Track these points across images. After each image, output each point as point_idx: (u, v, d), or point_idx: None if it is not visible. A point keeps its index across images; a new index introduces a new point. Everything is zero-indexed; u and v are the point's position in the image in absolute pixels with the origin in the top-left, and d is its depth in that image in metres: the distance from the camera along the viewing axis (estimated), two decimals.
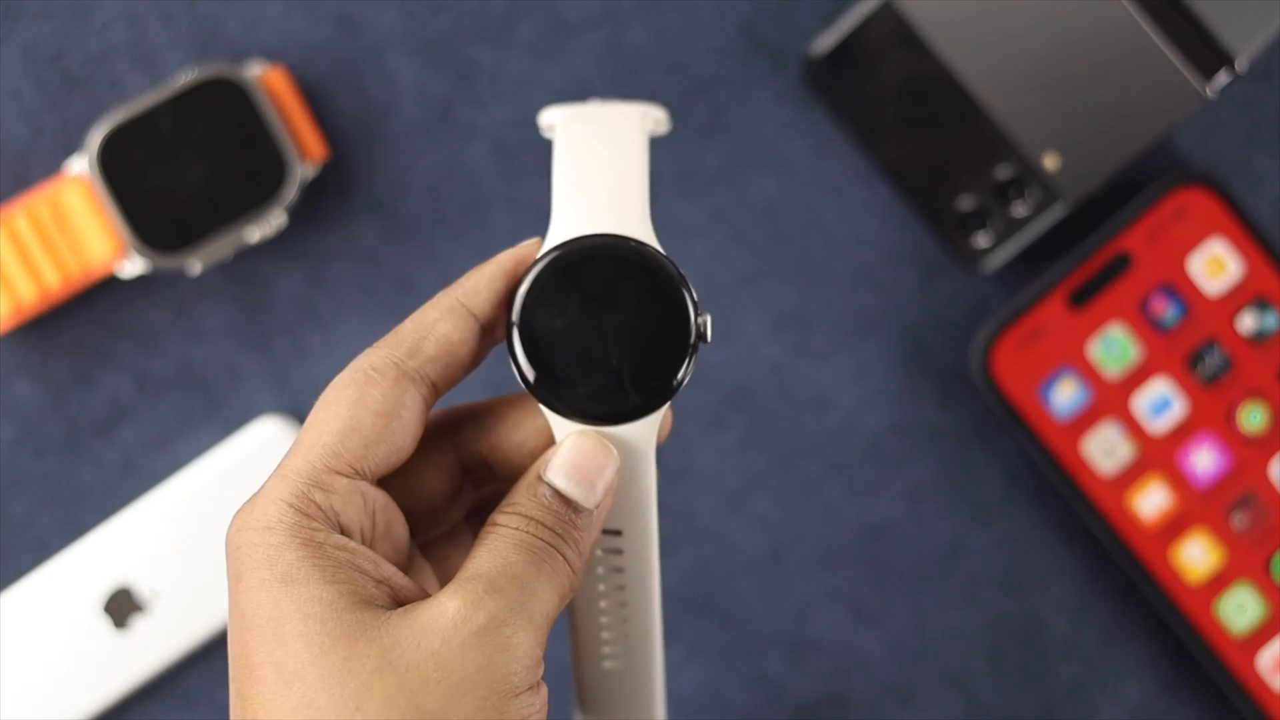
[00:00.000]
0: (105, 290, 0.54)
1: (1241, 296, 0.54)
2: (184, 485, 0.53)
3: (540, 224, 0.56)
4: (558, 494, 0.34)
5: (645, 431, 0.35)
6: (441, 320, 0.35)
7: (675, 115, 0.55)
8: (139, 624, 0.53)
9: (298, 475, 0.33)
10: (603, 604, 0.38)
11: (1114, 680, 0.55)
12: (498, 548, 0.33)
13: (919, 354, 0.55)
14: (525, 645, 0.32)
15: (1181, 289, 0.54)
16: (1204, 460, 0.54)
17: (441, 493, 0.37)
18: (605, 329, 0.33)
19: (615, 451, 0.34)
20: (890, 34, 0.53)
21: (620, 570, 0.37)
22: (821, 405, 0.55)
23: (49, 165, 0.53)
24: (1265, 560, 0.54)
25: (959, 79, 0.52)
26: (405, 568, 0.36)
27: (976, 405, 0.55)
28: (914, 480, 0.55)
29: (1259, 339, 0.54)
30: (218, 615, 0.53)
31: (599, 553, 0.37)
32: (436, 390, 0.35)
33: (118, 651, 0.53)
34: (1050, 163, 0.53)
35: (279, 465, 0.34)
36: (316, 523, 0.33)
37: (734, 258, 0.55)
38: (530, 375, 0.33)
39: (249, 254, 0.54)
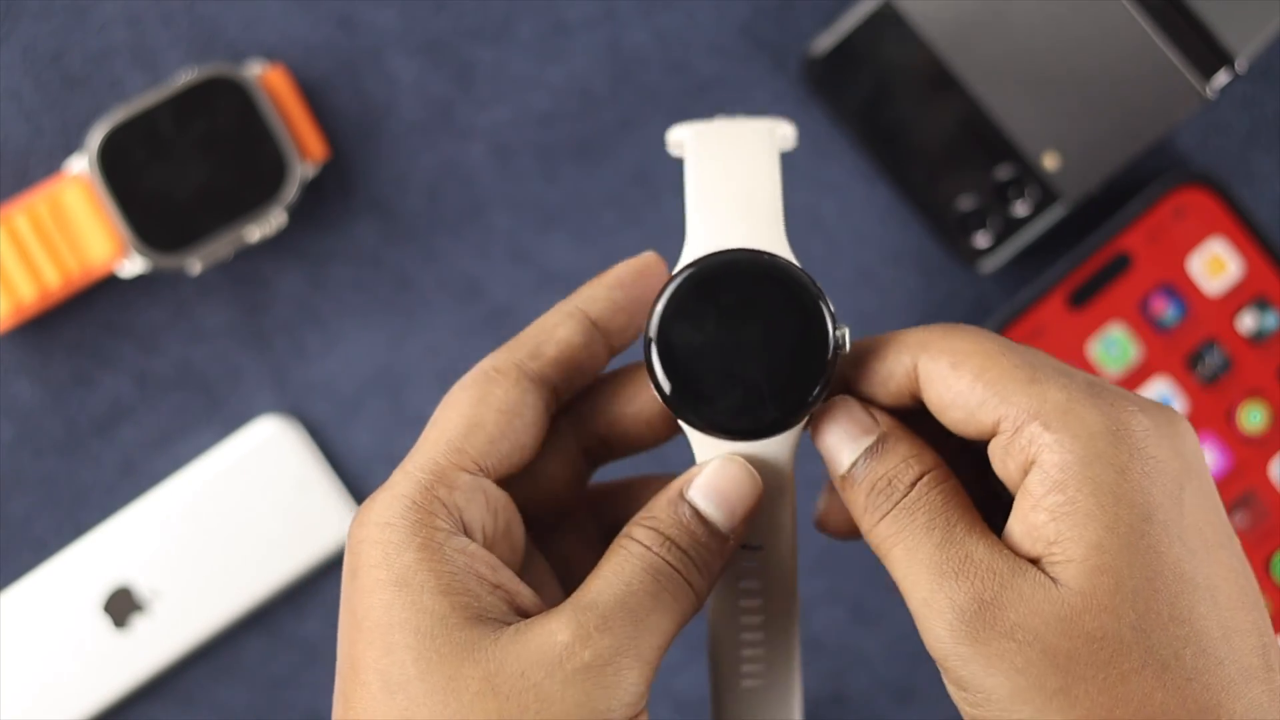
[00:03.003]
0: (105, 290, 0.54)
1: (1241, 296, 0.54)
2: (184, 485, 0.53)
3: (543, 224, 0.56)
4: (697, 514, 0.34)
5: (784, 448, 0.35)
6: (561, 325, 0.35)
7: (675, 115, 0.55)
8: (139, 624, 0.53)
9: (422, 471, 0.33)
10: (743, 620, 0.37)
11: None
12: (624, 570, 0.33)
13: None
14: (629, 682, 0.32)
15: (1181, 289, 0.54)
16: None
17: (564, 481, 0.37)
18: (743, 343, 0.33)
19: (760, 481, 0.34)
20: (890, 34, 0.53)
21: (759, 589, 0.37)
22: None
23: (49, 165, 0.53)
24: (1265, 560, 0.54)
25: (959, 79, 0.52)
26: (521, 569, 0.36)
27: None
28: None
29: (1259, 339, 0.54)
30: (218, 615, 0.53)
31: (741, 564, 0.36)
32: (558, 394, 0.35)
33: (118, 651, 0.53)
34: (1050, 162, 0.53)
35: (404, 462, 0.34)
36: (439, 519, 0.33)
37: None
38: (669, 390, 0.33)
39: (249, 253, 0.54)
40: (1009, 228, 0.54)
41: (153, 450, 0.54)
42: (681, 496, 0.34)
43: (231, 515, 0.53)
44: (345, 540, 0.34)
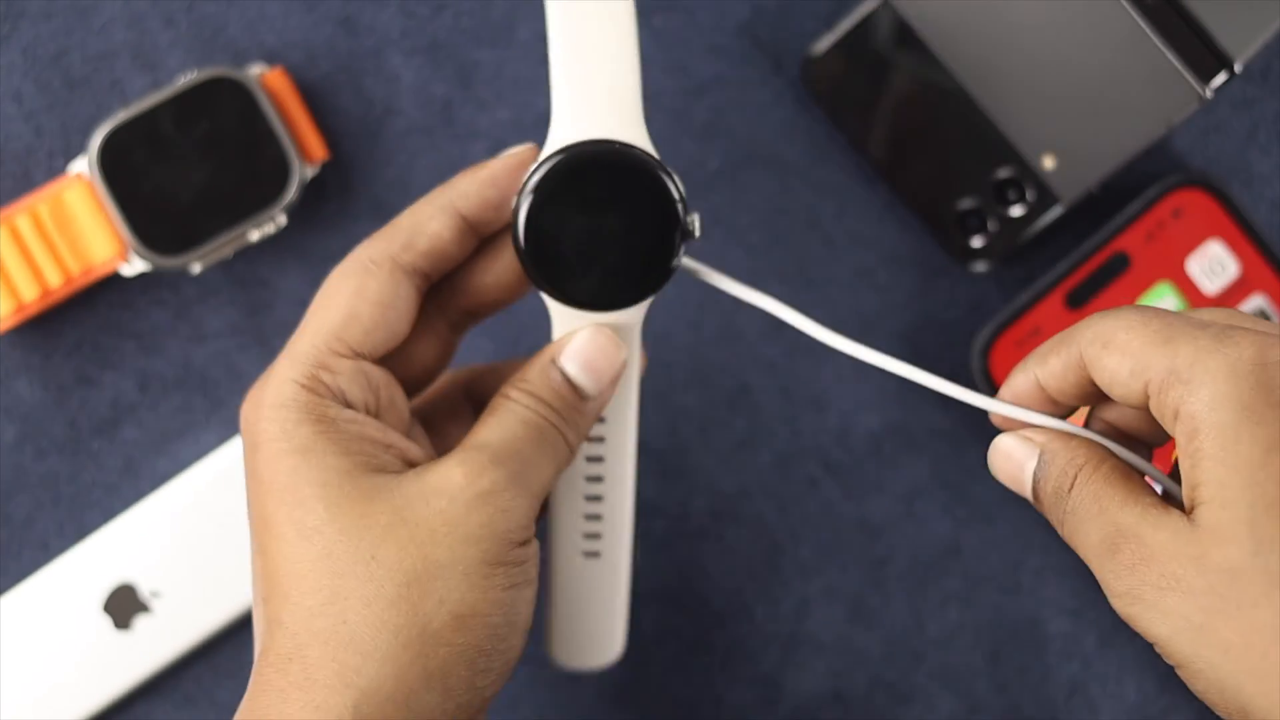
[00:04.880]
0: (106, 290, 0.54)
1: (1239, 297, 0.54)
2: (185, 485, 0.53)
3: None
4: (566, 378, 0.38)
5: (634, 321, 0.39)
6: (434, 218, 0.39)
7: (675, 116, 0.55)
8: (140, 624, 0.53)
9: (306, 358, 0.37)
10: (582, 491, 0.42)
11: (1113, 680, 0.55)
12: (505, 421, 0.37)
13: (918, 354, 0.55)
14: (521, 509, 0.36)
15: (1180, 289, 0.54)
16: None
17: (435, 354, 0.41)
18: (602, 227, 0.37)
19: (625, 349, 0.38)
20: (889, 35, 0.53)
21: (600, 459, 0.41)
22: (820, 405, 0.55)
23: (50, 166, 0.53)
24: None
25: (958, 80, 0.53)
26: (407, 435, 0.39)
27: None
28: (912, 480, 0.56)
29: None
30: (219, 614, 0.53)
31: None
32: (429, 280, 0.39)
33: (119, 651, 0.53)
34: (1048, 163, 0.53)
35: (286, 348, 0.38)
36: (328, 399, 0.36)
37: (733, 258, 0.55)
38: (536, 270, 0.37)
39: (250, 254, 0.54)
40: (1007, 228, 0.54)
41: (154, 451, 0.54)
42: (553, 363, 0.38)
43: (233, 516, 0.53)
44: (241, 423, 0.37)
